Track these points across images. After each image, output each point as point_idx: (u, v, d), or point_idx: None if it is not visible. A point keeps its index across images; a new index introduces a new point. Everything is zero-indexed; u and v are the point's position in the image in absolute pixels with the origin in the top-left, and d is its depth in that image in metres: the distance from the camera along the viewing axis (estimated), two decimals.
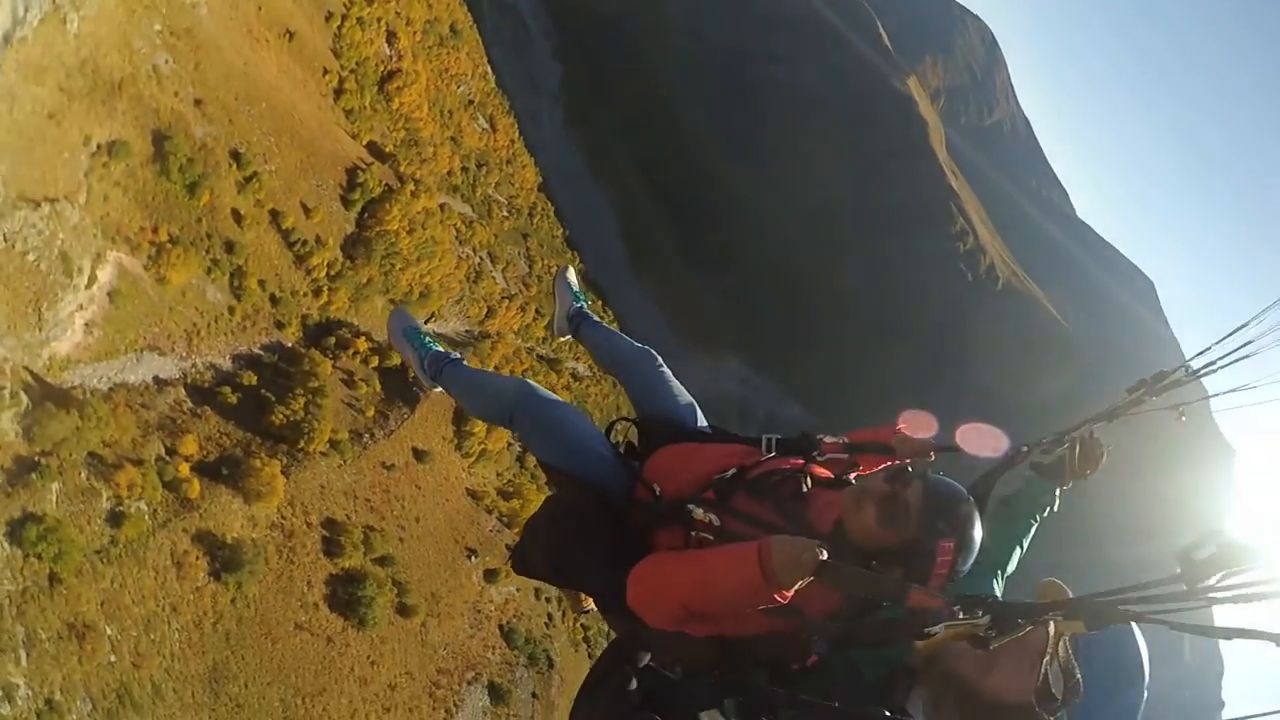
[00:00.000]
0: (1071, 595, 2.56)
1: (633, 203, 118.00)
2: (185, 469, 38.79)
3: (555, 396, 4.39)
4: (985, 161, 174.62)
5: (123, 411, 38.36)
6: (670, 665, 2.85)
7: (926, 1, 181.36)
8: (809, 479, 3.60)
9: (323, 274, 53.47)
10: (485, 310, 72.88)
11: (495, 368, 66.65)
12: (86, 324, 40.36)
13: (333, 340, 52.73)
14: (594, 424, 4.24)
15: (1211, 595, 1.95)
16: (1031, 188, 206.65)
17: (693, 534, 3.43)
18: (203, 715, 37.01)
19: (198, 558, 38.09)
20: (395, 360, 54.45)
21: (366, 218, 57.53)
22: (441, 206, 70.71)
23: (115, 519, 35.32)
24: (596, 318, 5.62)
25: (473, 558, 53.93)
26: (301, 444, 45.19)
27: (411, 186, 61.57)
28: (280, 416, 45.23)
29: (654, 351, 4.83)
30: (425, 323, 61.93)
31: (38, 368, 37.85)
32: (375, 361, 54.00)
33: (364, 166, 58.87)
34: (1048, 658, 2.41)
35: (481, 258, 77.00)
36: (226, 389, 44.89)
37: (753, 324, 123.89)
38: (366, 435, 50.70)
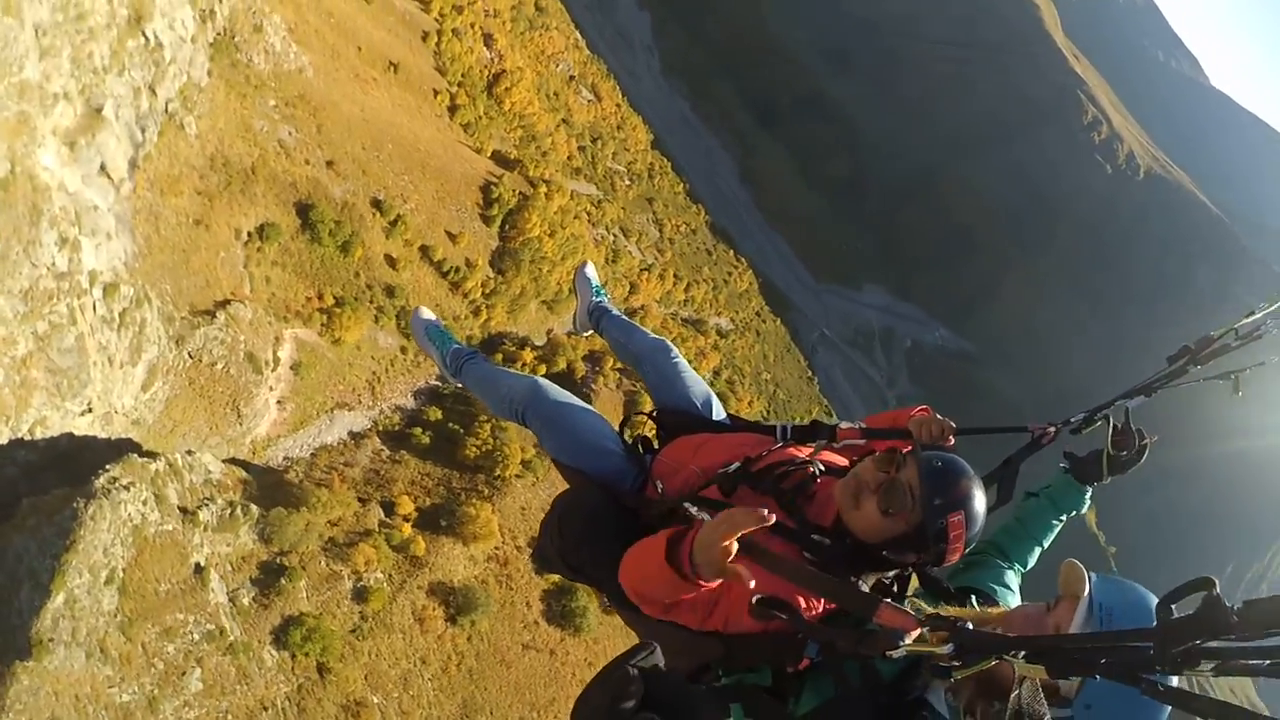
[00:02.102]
0: (1089, 580, 2.42)
1: (746, 141, 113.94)
2: (407, 529, 38.92)
3: (565, 396, 4.25)
4: (1105, 37, 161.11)
5: (337, 485, 38.41)
6: (680, 663, 3.04)
7: None
8: (818, 469, 3.42)
9: (478, 294, 52.99)
10: (628, 288, 71.44)
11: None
12: (279, 402, 40.81)
13: (499, 356, 51.95)
14: (605, 422, 4.15)
15: (1183, 663, 1.76)
16: (1159, 60, 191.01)
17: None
18: None
19: (435, 609, 38.32)
20: (560, 363, 53.90)
21: (508, 229, 56.30)
22: (570, 194, 68.84)
23: (360, 595, 35.75)
24: (616, 311, 5.42)
25: None
26: (498, 471, 44.76)
27: (544, 189, 59.81)
28: (472, 449, 45.07)
29: (669, 343, 4.72)
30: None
31: (243, 455, 38.54)
32: (543, 369, 52.82)
33: (495, 180, 57.32)
34: (1014, 697, 2.18)
35: (615, 235, 75.39)
36: (417, 430, 45.12)
37: (888, 249, 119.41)
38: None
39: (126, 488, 28.17)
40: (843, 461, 3.57)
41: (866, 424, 3.82)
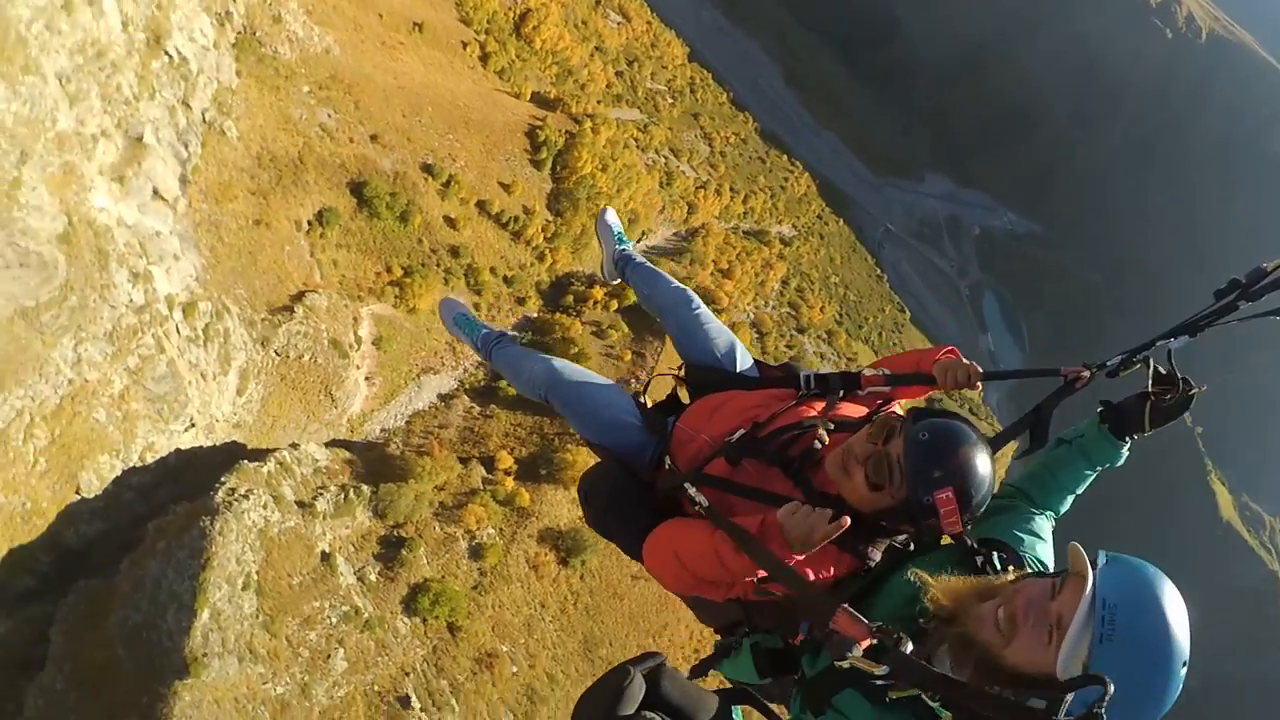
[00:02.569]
0: (1090, 568, 2.29)
1: (786, 41, 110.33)
2: (510, 483, 39.80)
3: (581, 376, 4.28)
4: None
5: (436, 451, 39.25)
6: (710, 620, 3.49)
7: None
8: (827, 430, 3.32)
9: (540, 239, 52.74)
10: (686, 209, 70.35)
11: (700, 254, 65.20)
12: (367, 378, 41.71)
13: (570, 298, 52.25)
14: (624, 395, 4.17)
15: None
16: None
17: (695, 508, 3.27)
18: (587, 681, 38.83)
19: (546, 555, 39.43)
20: (631, 297, 53.19)
21: (560, 170, 55.72)
22: (615, 124, 67.64)
23: (476, 553, 36.95)
24: (640, 259, 5.19)
25: None
26: None
27: (589, 124, 58.71)
28: None
29: (689, 293, 4.61)
30: (637, 243, 60.59)
31: (342, 435, 39.66)
32: (614, 305, 52.78)
33: (539, 123, 56.54)
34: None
35: (665, 157, 74.08)
36: (502, 382, 45.26)
37: (945, 136, 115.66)
38: (632, 379, 49.89)
39: (246, 495, 29.26)
40: (860, 413, 3.46)
41: (890, 369, 3.67)
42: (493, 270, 49.04)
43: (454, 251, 47.13)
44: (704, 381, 4.10)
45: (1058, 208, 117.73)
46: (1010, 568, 2.86)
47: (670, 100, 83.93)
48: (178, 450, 32.09)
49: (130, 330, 28.35)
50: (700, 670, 3.22)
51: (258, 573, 28.83)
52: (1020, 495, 3.47)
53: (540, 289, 52.06)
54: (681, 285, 4.71)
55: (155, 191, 33.99)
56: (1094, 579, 2.24)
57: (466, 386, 45.31)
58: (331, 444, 38.02)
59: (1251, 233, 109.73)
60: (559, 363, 4.34)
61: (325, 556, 31.30)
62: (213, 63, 39.58)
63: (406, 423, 42.64)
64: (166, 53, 36.19)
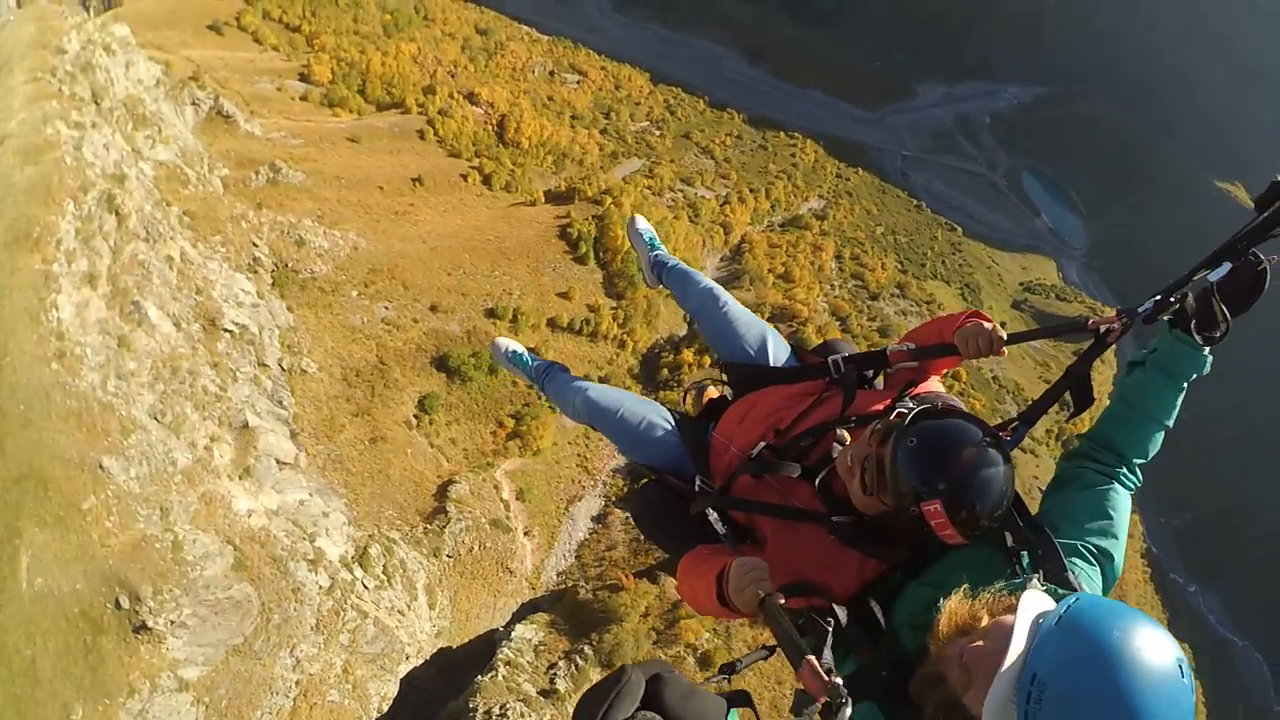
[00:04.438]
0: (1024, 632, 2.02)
1: (729, 24, 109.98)
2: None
3: (614, 399, 4.29)
4: None
5: (625, 581, 38.91)
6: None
7: None
8: (846, 429, 3.26)
9: (615, 329, 52.40)
10: (723, 231, 69.50)
11: (755, 269, 65.00)
12: (525, 534, 41.53)
13: (664, 371, 51.80)
14: (660, 412, 4.12)
15: None
16: None
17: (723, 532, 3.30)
18: None
19: (763, 632, 36.94)
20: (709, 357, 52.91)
21: (603, 255, 55.32)
22: (624, 180, 67.29)
23: (704, 662, 33.71)
24: (673, 261, 5.09)
25: None
26: None
27: (609, 200, 58.20)
28: None
29: (716, 290, 4.55)
30: None
31: (525, 597, 39.54)
32: (707, 360, 52.18)
33: (565, 220, 56.49)
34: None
35: (681, 191, 73.58)
36: (643, 481, 44.71)
37: (917, 42, 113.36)
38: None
39: (503, 714, 28.91)
40: (884, 403, 3.26)
41: (916, 341, 3.56)
42: (586, 377, 48.52)
43: None
44: (742, 379, 4.04)
45: (1053, 60, 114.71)
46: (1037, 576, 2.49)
47: (658, 132, 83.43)
48: (400, 682, 32.24)
49: (332, 613, 28.53)
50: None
51: None
52: (1095, 450, 3.00)
53: (634, 375, 51.63)
54: (710, 283, 4.67)
55: (279, 462, 34.29)
56: (1025, 646, 1.91)
57: (613, 500, 44.98)
58: (527, 613, 37.85)
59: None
60: (595, 390, 4.46)
61: None
62: (266, 315, 40.05)
63: (577, 557, 42.41)
64: (225, 329, 36.75)
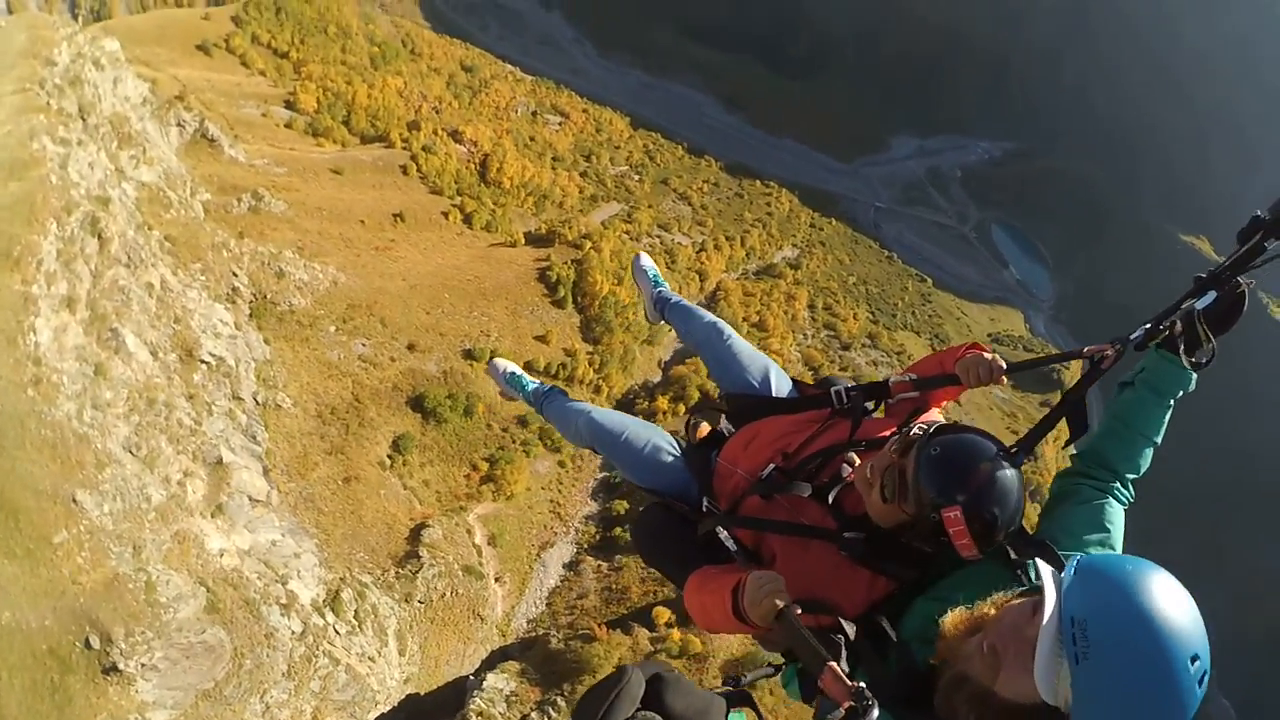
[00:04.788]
0: (1053, 583, 2.14)
1: (709, 72, 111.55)
2: (677, 635, 38.67)
3: (618, 422, 4.32)
4: None
5: (598, 632, 38.47)
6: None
7: None
8: (859, 448, 3.35)
9: (591, 374, 52.67)
10: (698, 278, 70.16)
11: (730, 317, 64.76)
12: (497, 579, 41.22)
13: (640, 414, 51.54)
14: (664, 437, 4.18)
15: None
16: None
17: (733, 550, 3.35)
18: None
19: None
20: (694, 395, 53.43)
21: (581, 299, 55.61)
22: (602, 224, 67.85)
23: None
24: (676, 298, 5.26)
25: None
26: None
27: (589, 245, 58.66)
28: None
29: (719, 324, 4.68)
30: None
31: (495, 643, 39.19)
32: (680, 408, 52.58)
33: (545, 263, 56.79)
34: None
35: (659, 236, 74.44)
36: (617, 530, 45.15)
37: (890, 94, 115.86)
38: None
39: None
40: (889, 429, 3.41)
41: (917, 373, 3.63)
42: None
43: (522, 422, 46.87)
44: (743, 409, 4.10)
45: (1021, 114, 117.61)
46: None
47: (637, 177, 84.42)
48: None
49: (304, 659, 28.06)
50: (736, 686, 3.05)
51: None
52: (1091, 468, 3.16)
53: None
54: (714, 318, 4.78)
55: (251, 500, 33.90)
56: (1056, 596, 2.04)
57: (585, 547, 44.85)
58: (498, 661, 37.46)
59: (1209, 50, 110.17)
60: (598, 412, 4.44)
61: None
62: (243, 347, 39.72)
63: (548, 605, 42.10)
64: (202, 361, 36.38)
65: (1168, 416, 3.15)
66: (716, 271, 72.74)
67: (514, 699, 33.69)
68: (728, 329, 4.61)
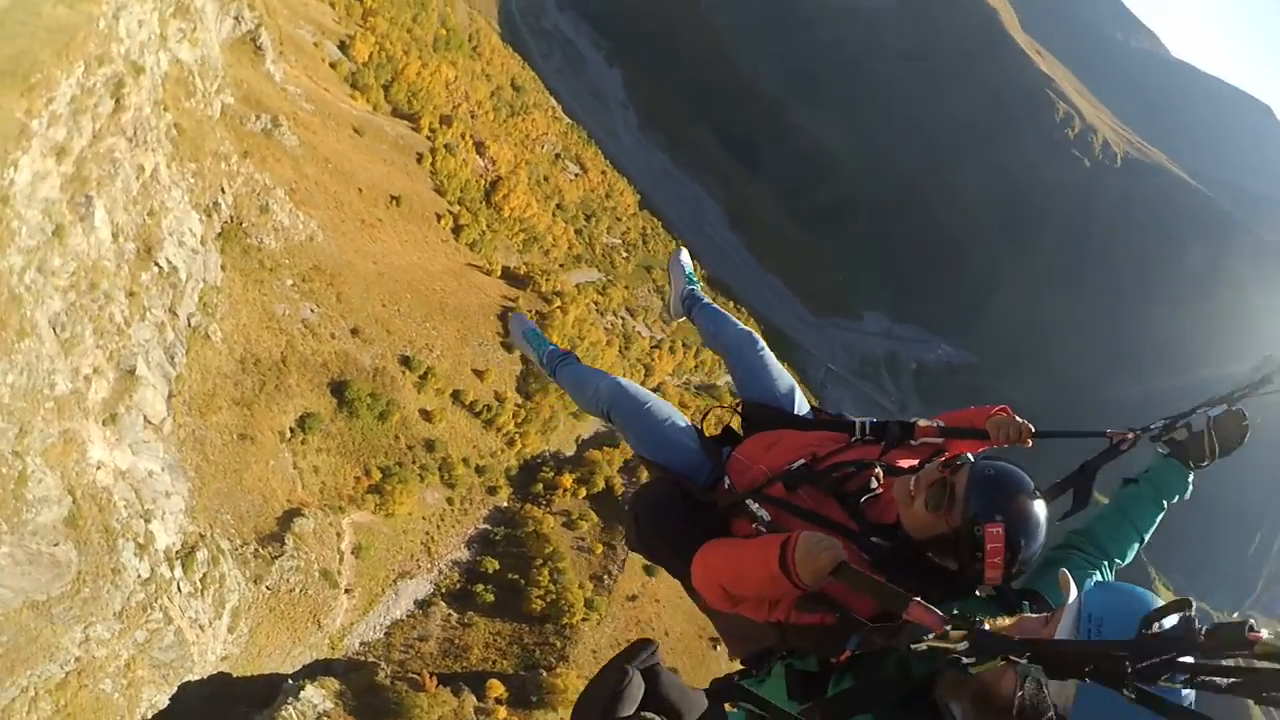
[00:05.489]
0: (1074, 590, 2.30)
1: (729, 185, 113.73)
2: (503, 712, 38.52)
3: (646, 394, 4.42)
4: (1063, 24, 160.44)
5: (428, 684, 37.78)
6: (740, 649, 3.48)
7: None
8: (883, 470, 3.49)
9: (511, 426, 52.30)
10: (644, 371, 70.67)
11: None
12: (346, 590, 40.17)
13: (540, 485, 51.81)
14: (684, 417, 4.28)
15: (1154, 674, 1.83)
16: (1119, 40, 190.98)
17: (753, 525, 3.41)
18: None
19: None
20: (599, 484, 53.24)
21: None
22: (576, 287, 68.24)
23: None
24: (707, 300, 5.54)
25: (716, 646, 52.73)
26: (564, 620, 44.61)
27: (558, 303, 59.00)
28: (537, 602, 44.78)
29: (756, 335, 4.83)
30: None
31: (323, 654, 38.07)
32: (583, 491, 52.54)
33: (511, 303, 56.71)
34: (1019, 696, 2.19)
35: (623, 319, 74.71)
36: (479, 586, 44.79)
37: (882, 272, 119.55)
38: (605, 576, 49.36)
39: None
40: (911, 462, 3.58)
41: (944, 422, 3.85)
42: (465, 461, 48.39)
43: (429, 445, 46.48)
44: (761, 418, 4.25)
45: (990, 336, 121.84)
46: (1002, 621, 2.74)
47: (625, 254, 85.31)
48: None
49: (139, 606, 27.14)
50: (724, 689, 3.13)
51: None
52: (1082, 543, 3.51)
53: (510, 475, 51.35)
54: (749, 329, 4.91)
55: (146, 420, 32.77)
56: (1079, 595, 2.25)
57: (443, 591, 44.07)
58: (319, 672, 36.38)
59: (1177, 341, 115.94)
60: (625, 381, 4.53)
61: None
62: (200, 264, 38.66)
63: (386, 634, 41.14)
64: (156, 263, 35.23)
65: (1159, 518, 3.59)
66: (662, 372, 73.37)
67: (326, 717, 32.84)
68: (761, 341, 4.80)
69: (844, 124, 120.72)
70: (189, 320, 37.25)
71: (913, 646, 2.31)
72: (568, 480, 52.32)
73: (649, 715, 2.15)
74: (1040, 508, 2.95)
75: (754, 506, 3.44)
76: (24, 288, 26.74)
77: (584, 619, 45.31)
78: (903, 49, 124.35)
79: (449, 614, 43.14)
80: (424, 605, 43.13)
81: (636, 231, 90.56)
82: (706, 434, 4.28)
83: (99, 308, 30.76)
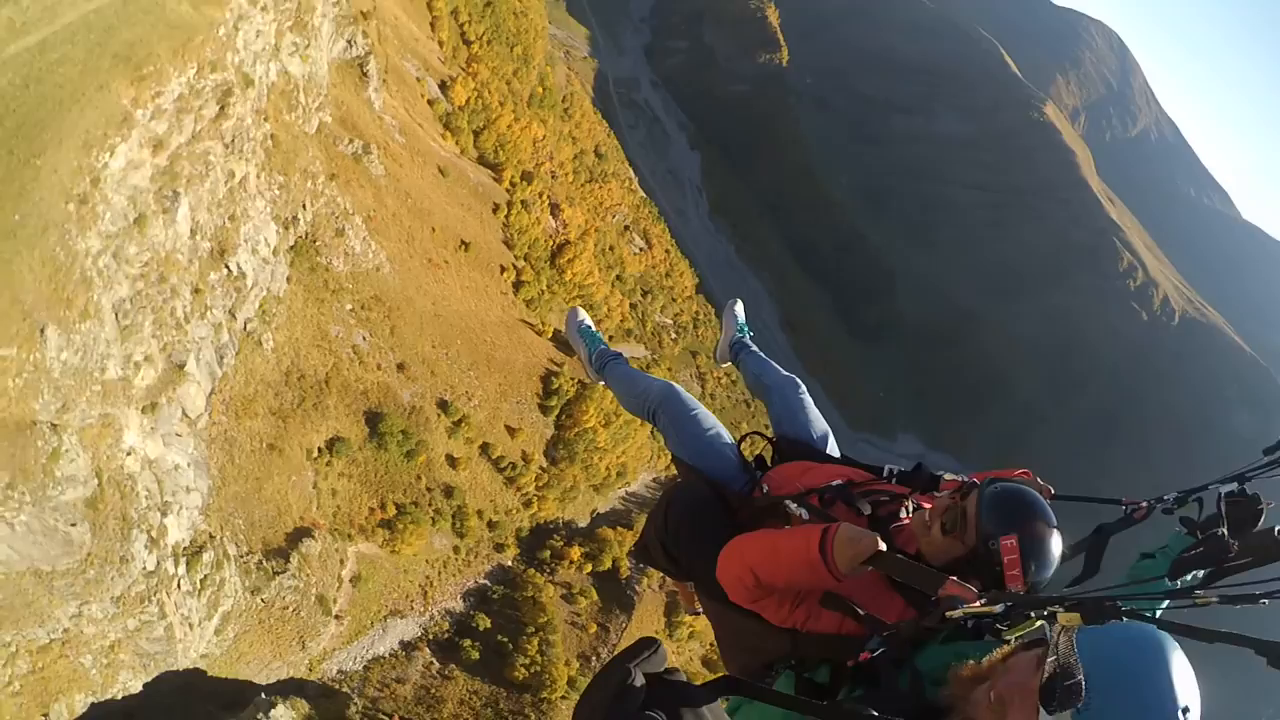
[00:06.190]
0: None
1: (788, 285, 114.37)
2: None
3: (695, 402, 4.65)
4: (1139, 176, 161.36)
5: None
6: (747, 660, 3.56)
7: (1044, 15, 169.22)
8: (911, 504, 3.63)
9: (532, 487, 52.42)
10: (667, 458, 69.71)
11: None
12: (337, 616, 40.04)
13: (547, 552, 51.49)
14: (727, 433, 4.48)
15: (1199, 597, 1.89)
16: (1190, 196, 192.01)
17: (787, 526, 3.54)
18: None
19: None
20: (606, 563, 52.87)
21: (564, 419, 55.80)
22: None
23: None
24: (755, 348, 5.65)
25: None
26: (544, 694, 44.00)
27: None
28: (520, 669, 44.23)
29: (798, 381, 4.94)
30: (622, 489, 60.60)
31: (300, 673, 37.88)
32: (589, 567, 52.23)
33: (556, 369, 57.18)
34: (1052, 657, 2.14)
35: None
36: (467, 642, 44.48)
37: (923, 396, 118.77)
38: (594, 658, 48.73)
39: None
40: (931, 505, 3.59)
41: (970, 478, 3.82)
42: (479, 513, 48.52)
43: (448, 491, 46.69)
44: (794, 454, 4.39)
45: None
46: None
47: (673, 336, 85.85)
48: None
49: (138, 598, 27.54)
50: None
51: None
52: None
53: (520, 536, 51.33)
54: (792, 375, 5.08)
55: (183, 413, 33.34)
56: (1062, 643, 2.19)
57: (430, 636, 43.89)
58: (292, 691, 36.19)
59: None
60: (678, 386, 4.76)
61: None
62: (268, 273, 39.67)
63: (365, 668, 40.92)
64: (227, 266, 36.22)
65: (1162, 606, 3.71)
66: None
67: None
68: (803, 386, 4.93)
69: (908, 244, 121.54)
70: (245, 325, 38.12)
71: (948, 615, 2.52)
72: (575, 553, 52.09)
73: (652, 715, 2.12)
74: (1053, 528, 3.07)
75: (792, 506, 3.63)
76: (96, 271, 27.56)
77: (563, 697, 44.59)
78: (978, 179, 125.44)
79: (431, 662, 42.86)
80: (409, 647, 42.92)
81: (689, 315, 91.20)
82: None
83: (163, 300, 31.59)
